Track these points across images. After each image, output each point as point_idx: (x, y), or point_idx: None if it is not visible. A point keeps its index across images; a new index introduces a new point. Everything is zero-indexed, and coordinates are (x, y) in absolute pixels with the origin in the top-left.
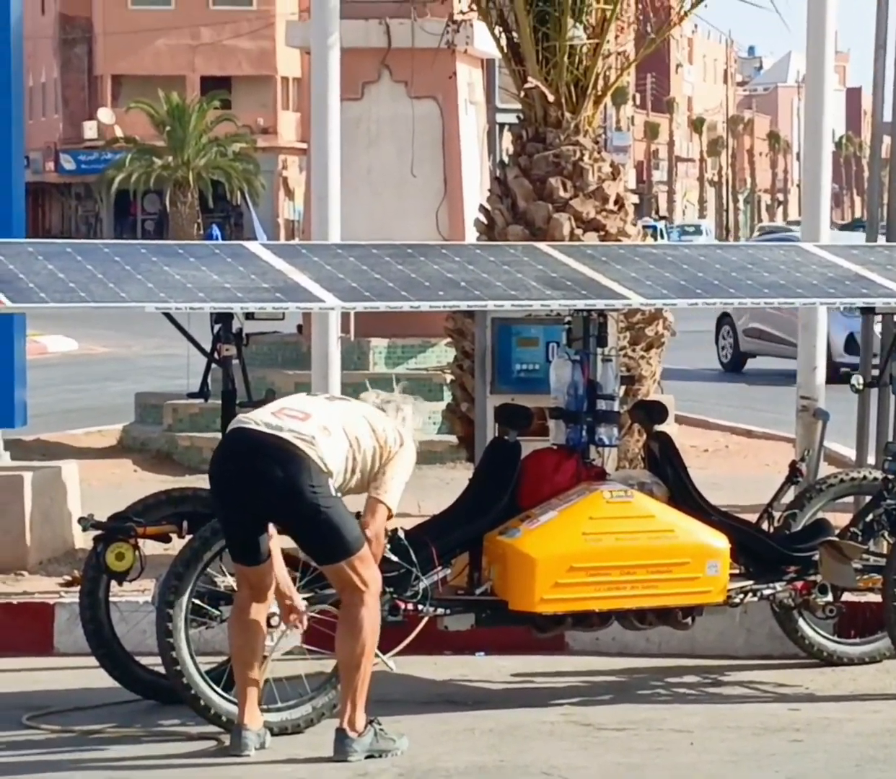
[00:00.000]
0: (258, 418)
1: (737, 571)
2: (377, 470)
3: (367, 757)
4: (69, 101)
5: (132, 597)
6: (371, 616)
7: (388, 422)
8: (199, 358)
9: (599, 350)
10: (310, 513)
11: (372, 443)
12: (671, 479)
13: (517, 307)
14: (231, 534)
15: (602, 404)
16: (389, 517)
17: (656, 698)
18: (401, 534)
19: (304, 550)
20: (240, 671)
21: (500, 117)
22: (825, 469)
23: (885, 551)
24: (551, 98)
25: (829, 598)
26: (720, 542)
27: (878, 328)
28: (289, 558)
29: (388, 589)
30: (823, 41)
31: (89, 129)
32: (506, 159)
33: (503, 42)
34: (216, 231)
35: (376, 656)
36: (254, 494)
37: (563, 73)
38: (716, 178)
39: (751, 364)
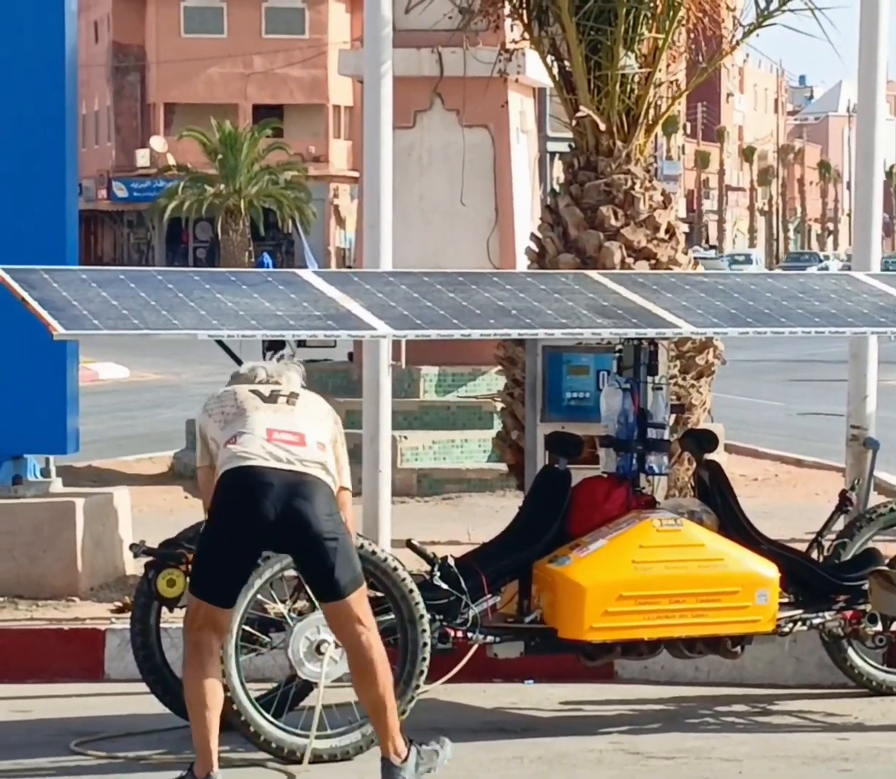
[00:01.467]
0: (260, 452)
1: (786, 600)
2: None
3: None
4: (122, 129)
5: (183, 623)
6: (380, 654)
7: (329, 407)
8: None
9: (650, 378)
10: (325, 541)
11: (334, 435)
12: (721, 507)
13: (568, 335)
14: (221, 572)
15: (652, 433)
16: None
17: (705, 726)
18: (451, 561)
19: (315, 584)
20: (199, 714)
21: (552, 146)
22: (875, 498)
23: None
24: (603, 127)
25: (879, 627)
26: (770, 571)
27: None
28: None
29: (437, 616)
30: (875, 70)
31: (142, 157)
32: (557, 188)
33: (555, 71)
34: (268, 259)
35: None
36: (272, 532)
37: (615, 102)
38: (766, 208)
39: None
